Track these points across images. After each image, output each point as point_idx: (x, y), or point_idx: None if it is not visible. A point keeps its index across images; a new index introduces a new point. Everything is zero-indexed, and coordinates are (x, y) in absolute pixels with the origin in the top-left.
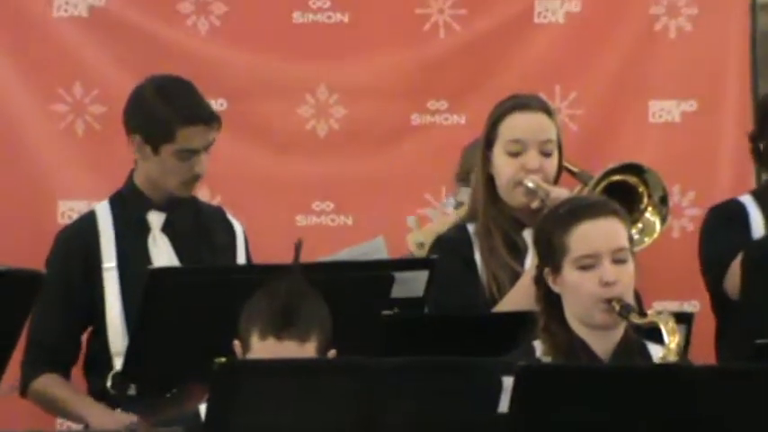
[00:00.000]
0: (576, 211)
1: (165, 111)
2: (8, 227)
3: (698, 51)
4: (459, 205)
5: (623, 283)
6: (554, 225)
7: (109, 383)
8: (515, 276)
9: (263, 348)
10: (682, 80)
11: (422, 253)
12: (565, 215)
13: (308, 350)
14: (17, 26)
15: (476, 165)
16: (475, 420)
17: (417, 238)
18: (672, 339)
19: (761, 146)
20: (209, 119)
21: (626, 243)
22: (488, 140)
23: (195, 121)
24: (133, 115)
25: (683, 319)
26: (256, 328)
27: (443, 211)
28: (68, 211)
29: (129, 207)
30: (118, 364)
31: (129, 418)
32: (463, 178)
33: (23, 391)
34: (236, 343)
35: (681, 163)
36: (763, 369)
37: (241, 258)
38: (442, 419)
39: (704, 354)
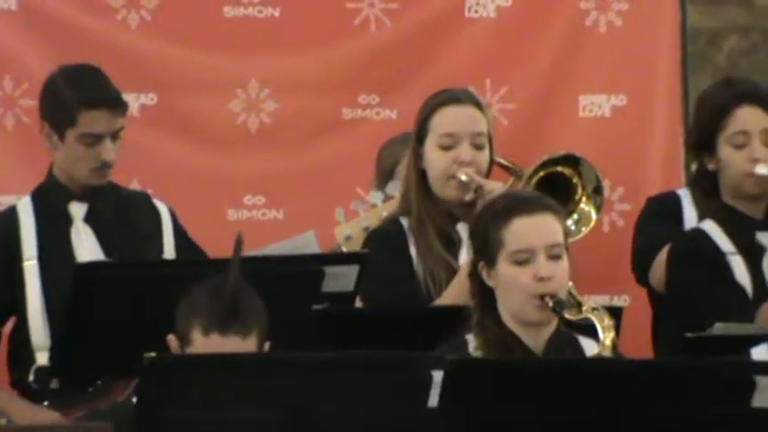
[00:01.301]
0: (512, 206)
1: (67, 94)
2: None
3: (628, 46)
4: (387, 198)
5: (557, 279)
6: (490, 219)
7: (31, 377)
8: (451, 270)
9: (206, 344)
10: (612, 75)
11: (349, 245)
12: (501, 210)
13: (249, 344)
14: None
15: (406, 160)
16: (405, 415)
17: (345, 230)
18: (607, 336)
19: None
20: (113, 103)
21: (561, 239)
22: (419, 135)
23: (97, 105)
24: (42, 103)
25: (614, 313)
26: (198, 323)
27: (371, 204)
28: None
29: (50, 200)
30: (40, 358)
31: (51, 414)
32: (383, 180)
33: None
34: (171, 337)
35: (610, 158)
36: (690, 363)
37: (168, 243)
38: (372, 414)
39: (635, 348)
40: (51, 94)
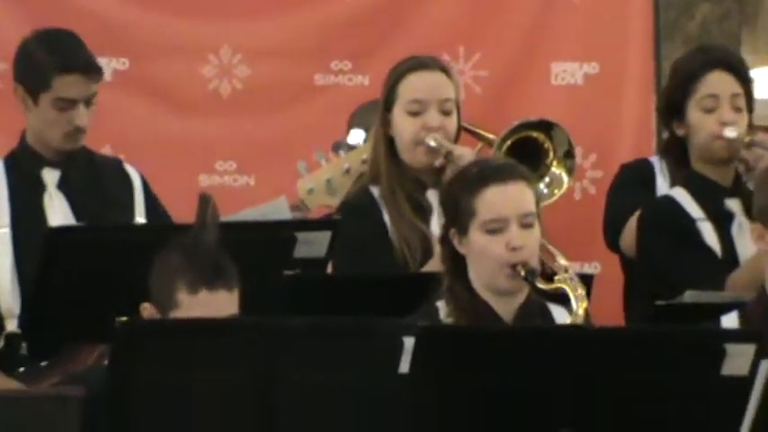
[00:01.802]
0: (485, 175)
1: (42, 58)
2: None
3: (601, 15)
4: (349, 148)
5: (529, 248)
6: (462, 188)
7: (1, 343)
8: (423, 237)
9: (195, 302)
10: (584, 42)
11: (312, 199)
12: (473, 178)
13: (234, 297)
14: None
15: (374, 127)
16: (375, 381)
17: (306, 184)
18: (580, 305)
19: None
20: (88, 69)
21: (533, 208)
22: (387, 102)
23: (71, 70)
24: (16, 66)
25: (584, 280)
26: (183, 284)
27: (351, 145)
28: None
29: (22, 166)
30: (10, 324)
31: (13, 383)
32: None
33: None
34: (146, 305)
35: (583, 125)
36: (660, 331)
37: (140, 209)
38: (342, 380)
39: (606, 315)
40: (26, 57)
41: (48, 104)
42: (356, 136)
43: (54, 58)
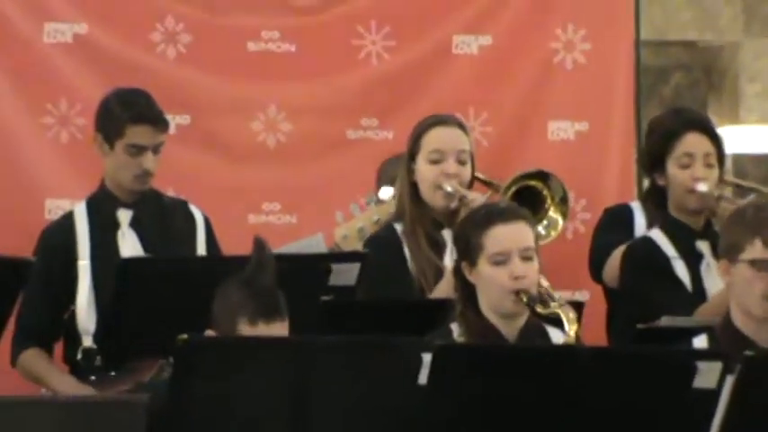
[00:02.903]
0: (492, 216)
1: (118, 110)
2: (2, 221)
3: (590, 80)
4: (379, 202)
5: (530, 278)
6: (472, 226)
7: (79, 356)
8: (437, 269)
9: (254, 332)
10: (576, 104)
11: (345, 243)
12: (482, 218)
13: (286, 325)
14: (12, 50)
15: (400, 174)
16: (398, 391)
17: (342, 231)
18: (571, 328)
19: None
20: (156, 121)
21: (532, 243)
22: (412, 152)
23: (142, 121)
24: (97, 117)
25: (575, 307)
26: (244, 317)
27: (380, 198)
28: (54, 208)
29: (101, 207)
30: (86, 341)
31: (88, 389)
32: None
33: (12, 363)
34: (210, 333)
35: (574, 174)
36: (640, 351)
37: (201, 244)
38: (370, 390)
39: (593, 336)
40: (105, 110)
41: (121, 150)
42: (386, 192)
43: (128, 110)
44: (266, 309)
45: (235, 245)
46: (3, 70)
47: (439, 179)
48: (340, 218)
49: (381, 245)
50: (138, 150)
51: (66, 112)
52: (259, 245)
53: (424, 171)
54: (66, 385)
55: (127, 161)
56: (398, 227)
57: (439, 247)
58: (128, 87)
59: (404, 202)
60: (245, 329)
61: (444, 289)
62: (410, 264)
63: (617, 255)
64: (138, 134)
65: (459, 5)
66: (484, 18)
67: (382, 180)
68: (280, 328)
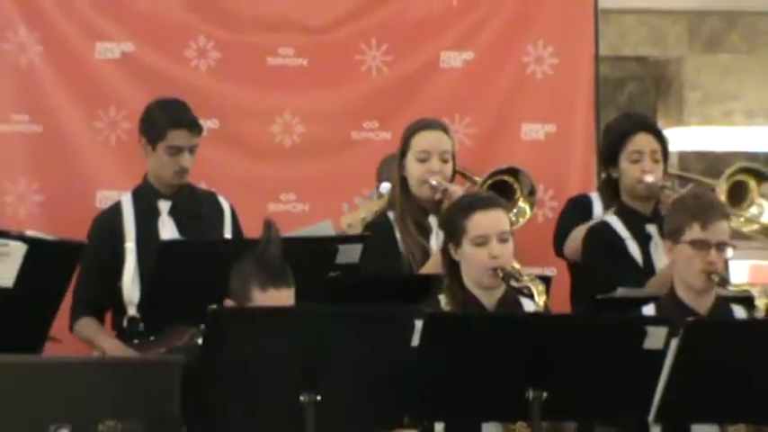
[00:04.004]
0: (474, 204)
1: (160, 117)
2: (61, 209)
3: (557, 89)
4: (379, 195)
5: (506, 257)
6: (458, 213)
7: (125, 323)
8: (424, 250)
9: (265, 297)
10: (545, 110)
11: (351, 230)
12: (466, 206)
13: (292, 292)
14: (69, 65)
15: (392, 171)
16: (395, 351)
17: (347, 220)
18: (541, 298)
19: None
20: (192, 126)
21: (508, 227)
22: (403, 152)
23: (180, 126)
24: (141, 123)
25: (544, 281)
26: (256, 284)
27: (367, 199)
28: (104, 198)
29: (144, 198)
30: (131, 310)
31: (132, 352)
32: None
33: (70, 329)
34: (228, 301)
35: (544, 169)
36: (597, 317)
37: (227, 229)
38: (371, 351)
39: (559, 305)
40: (149, 117)
41: (162, 151)
42: (385, 187)
43: (168, 117)
44: (274, 277)
45: (256, 229)
46: (61, 82)
47: (425, 175)
48: (346, 208)
49: (377, 230)
50: (176, 151)
51: (115, 117)
52: (267, 225)
53: (413, 168)
54: (114, 348)
55: (167, 160)
56: (391, 215)
57: (425, 231)
58: (167, 97)
59: (395, 194)
60: (257, 295)
61: (432, 266)
62: (401, 245)
63: (575, 234)
64: (176, 137)
65: (446, 27)
66: (467, 37)
67: (382, 176)
68: (286, 294)
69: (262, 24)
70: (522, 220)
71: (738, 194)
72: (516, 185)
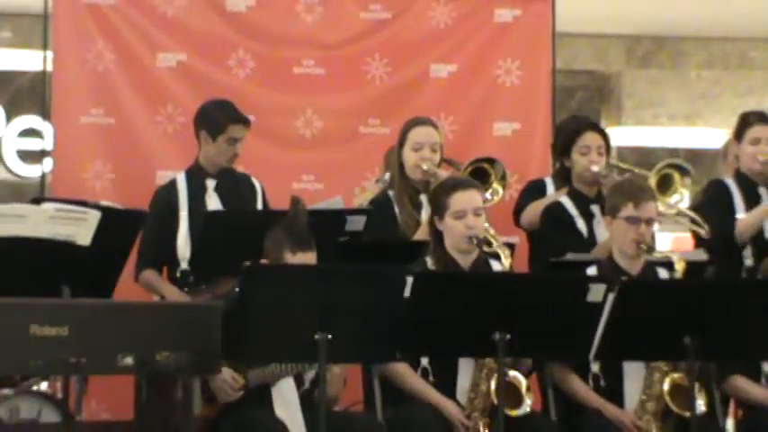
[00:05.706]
0: (455, 185)
1: (221, 114)
2: (128, 185)
3: (522, 95)
4: (383, 181)
5: (479, 227)
6: (441, 192)
7: (178, 275)
8: (416, 221)
9: (295, 259)
10: (512, 111)
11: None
12: (448, 186)
13: (314, 254)
14: (135, 71)
15: (392, 158)
16: (391, 301)
17: (358, 201)
18: (507, 261)
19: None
20: (245, 121)
21: (481, 204)
22: (401, 143)
23: (239, 121)
24: (200, 119)
25: (510, 247)
26: (287, 248)
27: (374, 183)
28: (163, 176)
29: (195, 177)
30: (183, 264)
31: (185, 297)
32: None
33: (135, 279)
34: (264, 262)
35: (511, 158)
36: (550, 276)
37: (259, 203)
38: (373, 300)
39: (520, 266)
40: (208, 114)
41: (223, 141)
42: (386, 176)
43: (228, 114)
44: (301, 242)
45: (283, 203)
46: (129, 84)
47: (418, 162)
48: (357, 191)
49: (379, 205)
50: (234, 141)
51: (171, 113)
52: (294, 201)
53: (409, 156)
54: (172, 293)
55: (226, 149)
56: (391, 193)
57: (418, 206)
58: (219, 98)
59: (394, 176)
60: (288, 256)
61: (422, 234)
62: (399, 217)
63: (529, 210)
64: (236, 130)
65: (435, 45)
66: (451, 53)
67: (389, 164)
68: (311, 256)
69: (289, 41)
70: (496, 198)
71: (665, 184)
72: (492, 171)
